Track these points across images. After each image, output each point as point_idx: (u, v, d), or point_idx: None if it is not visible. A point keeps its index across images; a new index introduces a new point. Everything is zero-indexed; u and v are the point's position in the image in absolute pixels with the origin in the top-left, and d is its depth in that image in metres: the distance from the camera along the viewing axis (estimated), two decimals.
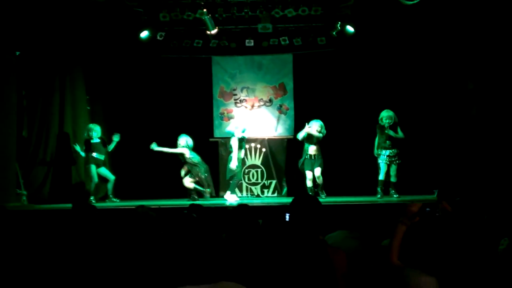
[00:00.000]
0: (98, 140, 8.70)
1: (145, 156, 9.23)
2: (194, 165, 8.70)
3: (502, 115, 7.90)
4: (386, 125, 8.24)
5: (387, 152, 8.27)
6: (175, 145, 8.75)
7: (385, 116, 8.28)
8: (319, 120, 8.57)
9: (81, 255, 2.88)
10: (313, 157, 8.56)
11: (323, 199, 8.22)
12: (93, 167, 8.62)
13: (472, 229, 3.22)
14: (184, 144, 8.68)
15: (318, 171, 8.54)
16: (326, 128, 8.60)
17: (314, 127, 8.49)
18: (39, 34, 8.48)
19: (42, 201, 8.37)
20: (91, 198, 8.44)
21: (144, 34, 9.23)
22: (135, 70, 9.83)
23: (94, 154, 8.61)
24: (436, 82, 9.03)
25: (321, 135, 8.51)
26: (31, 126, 8.69)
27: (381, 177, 8.30)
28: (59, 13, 8.47)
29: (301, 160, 8.67)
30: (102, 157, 8.70)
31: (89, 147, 8.63)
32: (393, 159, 8.27)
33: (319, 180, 8.57)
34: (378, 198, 8.17)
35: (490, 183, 7.34)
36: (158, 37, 9.53)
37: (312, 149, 8.57)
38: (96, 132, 8.64)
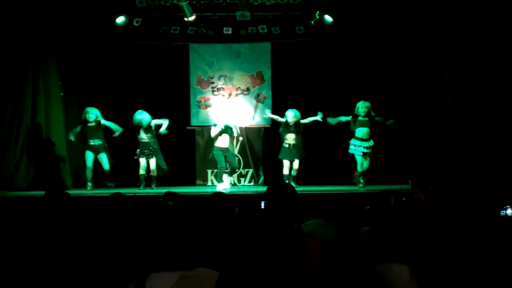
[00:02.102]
0: (93, 124, 8.39)
1: (120, 144, 9.12)
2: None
3: (476, 106, 8.03)
4: (362, 113, 8.32)
5: (364, 144, 8.35)
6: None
7: (361, 105, 8.36)
8: (294, 109, 8.61)
9: (53, 242, 2.84)
10: (291, 146, 8.58)
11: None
12: (88, 153, 8.40)
13: (444, 218, 3.28)
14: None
15: (296, 163, 8.56)
16: (303, 117, 8.67)
17: (289, 115, 8.52)
18: (11, 18, 8.25)
19: (14, 188, 8.22)
20: (89, 184, 8.36)
21: (120, 19, 9.08)
22: (110, 56, 9.67)
23: (90, 142, 8.36)
24: (412, 72, 9.12)
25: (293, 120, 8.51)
26: (2, 112, 8.49)
27: (359, 169, 8.38)
28: None
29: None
30: (97, 142, 8.41)
31: (83, 130, 8.37)
32: (367, 152, 8.35)
33: (294, 172, 8.60)
34: (360, 187, 8.25)
35: (463, 174, 7.48)
36: (135, 23, 9.39)
37: (289, 138, 8.59)
38: (92, 114, 8.35)
